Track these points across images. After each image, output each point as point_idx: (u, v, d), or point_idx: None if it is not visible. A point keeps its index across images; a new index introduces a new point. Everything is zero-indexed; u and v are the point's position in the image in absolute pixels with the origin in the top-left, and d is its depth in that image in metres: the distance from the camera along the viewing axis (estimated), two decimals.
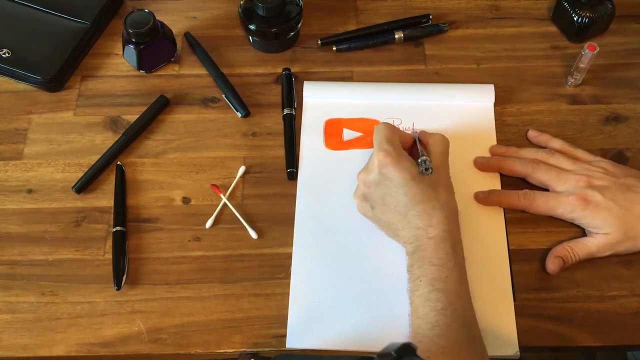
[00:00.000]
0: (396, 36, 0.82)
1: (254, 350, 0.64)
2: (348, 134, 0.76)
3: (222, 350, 0.65)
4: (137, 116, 0.77)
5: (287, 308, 0.66)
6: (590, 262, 0.67)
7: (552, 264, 0.66)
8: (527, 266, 0.68)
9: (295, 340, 0.64)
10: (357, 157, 0.74)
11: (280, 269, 0.68)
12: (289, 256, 0.69)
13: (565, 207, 0.67)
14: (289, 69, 0.81)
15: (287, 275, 0.68)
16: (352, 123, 0.77)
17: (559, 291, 0.66)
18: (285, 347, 0.64)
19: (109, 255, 0.69)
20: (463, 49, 0.83)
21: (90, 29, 0.83)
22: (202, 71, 0.82)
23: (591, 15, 0.79)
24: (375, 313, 0.65)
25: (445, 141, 0.67)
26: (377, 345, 0.52)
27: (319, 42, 0.83)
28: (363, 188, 0.66)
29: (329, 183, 0.73)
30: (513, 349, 0.63)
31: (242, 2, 0.81)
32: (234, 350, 0.65)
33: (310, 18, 0.85)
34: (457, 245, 0.62)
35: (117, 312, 0.66)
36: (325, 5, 0.87)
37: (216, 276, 0.68)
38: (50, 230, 0.71)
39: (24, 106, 0.79)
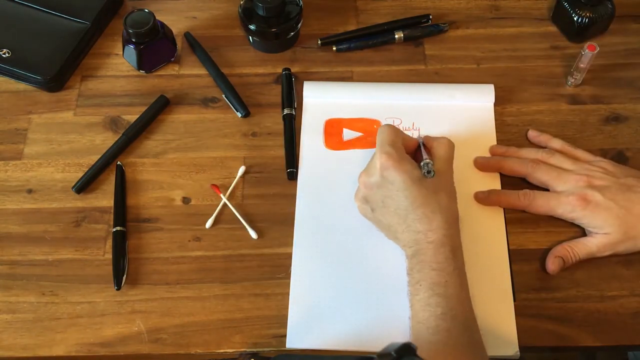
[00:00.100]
0: (396, 36, 0.82)
1: (254, 350, 0.64)
2: (348, 134, 0.76)
3: (222, 350, 0.65)
4: (137, 116, 0.77)
5: (287, 308, 0.65)
6: (590, 262, 0.67)
7: (552, 264, 0.66)
8: (527, 266, 0.68)
9: (295, 340, 0.64)
10: (357, 157, 0.74)
11: (280, 269, 0.68)
12: (289, 256, 0.69)
13: (565, 207, 0.67)
14: (289, 69, 0.81)
15: (287, 275, 0.67)
16: (352, 123, 0.77)
17: (559, 291, 0.66)
18: (285, 347, 0.64)
19: (109, 255, 0.69)
20: (463, 49, 0.83)
21: (90, 29, 0.83)
22: (202, 71, 0.82)
23: (591, 15, 0.79)
24: (375, 313, 0.65)
25: (450, 145, 0.67)
26: (377, 345, 0.52)
27: (319, 42, 0.83)
28: (364, 190, 0.66)
29: (329, 183, 0.73)
30: (513, 349, 0.63)
31: (242, 2, 0.81)
32: (234, 350, 0.65)
33: (310, 18, 0.85)
34: (457, 250, 0.62)
35: (117, 312, 0.66)
36: (325, 5, 0.87)
37: (216, 276, 0.68)
38: (50, 230, 0.71)
39: (24, 106, 0.79)
